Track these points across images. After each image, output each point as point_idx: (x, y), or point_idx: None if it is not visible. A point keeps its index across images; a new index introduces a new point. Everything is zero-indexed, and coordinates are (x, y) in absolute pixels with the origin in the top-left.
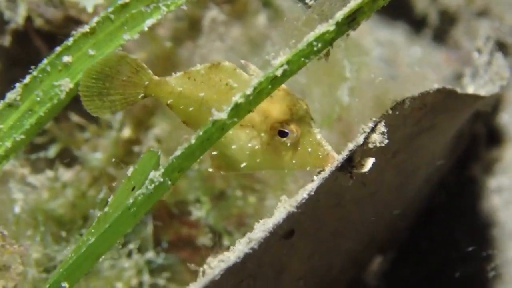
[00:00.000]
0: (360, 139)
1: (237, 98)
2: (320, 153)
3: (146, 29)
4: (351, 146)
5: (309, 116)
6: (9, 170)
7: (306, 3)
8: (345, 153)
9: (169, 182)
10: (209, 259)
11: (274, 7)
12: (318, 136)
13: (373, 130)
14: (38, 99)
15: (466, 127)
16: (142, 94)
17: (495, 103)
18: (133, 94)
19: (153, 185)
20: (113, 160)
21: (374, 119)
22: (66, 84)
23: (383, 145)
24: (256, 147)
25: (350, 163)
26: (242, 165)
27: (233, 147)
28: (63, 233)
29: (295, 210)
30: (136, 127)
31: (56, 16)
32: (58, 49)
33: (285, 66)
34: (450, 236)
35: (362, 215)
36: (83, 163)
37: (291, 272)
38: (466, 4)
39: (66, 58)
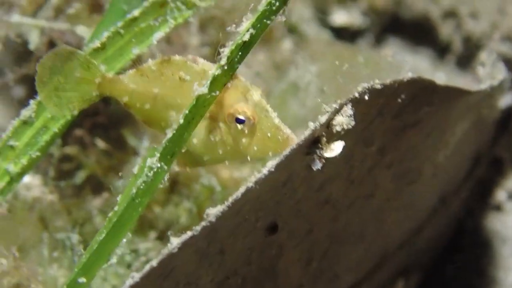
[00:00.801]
0: (322, 119)
1: (214, 71)
2: (279, 137)
3: (155, 42)
4: (312, 126)
5: (264, 101)
6: (37, 197)
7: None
8: (306, 133)
9: (165, 167)
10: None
11: (299, 33)
12: (276, 121)
13: (339, 112)
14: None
15: (484, 147)
16: (97, 93)
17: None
18: (88, 91)
19: (152, 172)
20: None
21: (339, 101)
22: None
23: (350, 127)
24: (217, 138)
25: (316, 145)
26: (205, 159)
27: (194, 141)
28: None
29: (253, 185)
30: None
31: (82, 44)
32: None
33: (251, 30)
34: (476, 262)
35: (361, 222)
36: (111, 189)
37: (289, 278)
38: (490, 31)
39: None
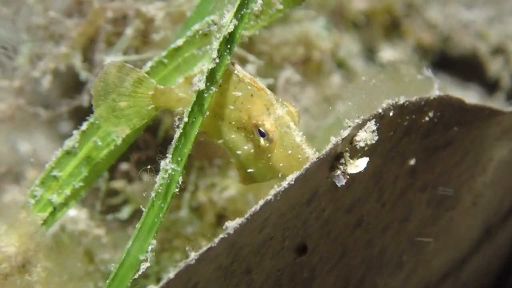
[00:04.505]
0: (343, 133)
1: (206, 65)
2: (299, 156)
3: None
4: (334, 140)
5: (287, 117)
6: (84, 230)
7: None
8: (328, 147)
9: (178, 168)
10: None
11: (347, 68)
12: (298, 139)
13: (361, 128)
14: (96, 145)
15: None
16: (152, 105)
17: None
18: (144, 105)
19: (167, 174)
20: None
21: (361, 117)
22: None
23: (373, 142)
24: (251, 150)
25: (339, 161)
26: (250, 171)
27: (238, 152)
28: None
29: (272, 198)
30: (209, 189)
31: None
32: None
33: (234, 21)
34: None
35: (398, 249)
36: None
37: None
38: None
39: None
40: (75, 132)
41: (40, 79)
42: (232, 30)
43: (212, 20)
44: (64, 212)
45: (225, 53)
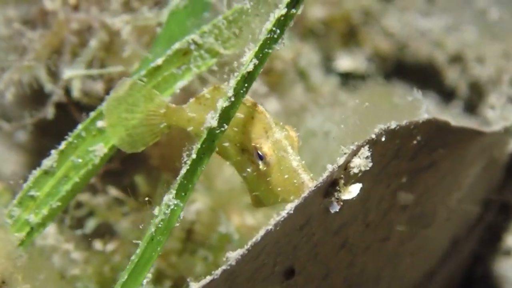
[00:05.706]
0: (339, 161)
1: (221, 102)
2: (295, 181)
3: (177, 91)
4: (330, 167)
5: (285, 141)
6: (53, 245)
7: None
8: (324, 175)
9: (181, 204)
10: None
11: (307, 78)
12: (295, 164)
13: (356, 154)
14: (74, 164)
15: (493, 192)
16: (164, 123)
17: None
18: (156, 123)
19: (169, 209)
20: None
21: (356, 143)
22: (100, 149)
23: (367, 168)
24: (254, 173)
25: (334, 188)
26: (255, 194)
27: (244, 175)
28: None
29: (272, 228)
30: None
31: (94, 89)
32: (92, 114)
33: (254, 60)
34: None
35: (377, 266)
36: (123, 238)
37: None
38: (496, 75)
39: (100, 123)
40: (53, 151)
41: (4, 91)
42: (252, 69)
43: (192, 39)
44: (41, 232)
45: (241, 92)
